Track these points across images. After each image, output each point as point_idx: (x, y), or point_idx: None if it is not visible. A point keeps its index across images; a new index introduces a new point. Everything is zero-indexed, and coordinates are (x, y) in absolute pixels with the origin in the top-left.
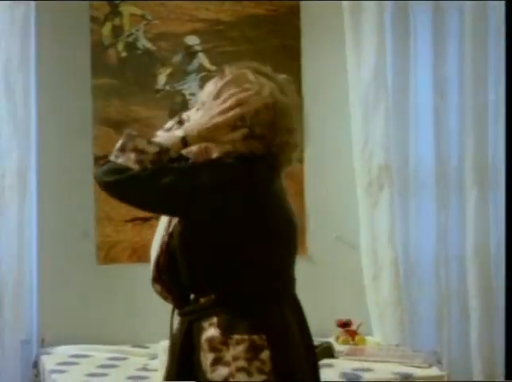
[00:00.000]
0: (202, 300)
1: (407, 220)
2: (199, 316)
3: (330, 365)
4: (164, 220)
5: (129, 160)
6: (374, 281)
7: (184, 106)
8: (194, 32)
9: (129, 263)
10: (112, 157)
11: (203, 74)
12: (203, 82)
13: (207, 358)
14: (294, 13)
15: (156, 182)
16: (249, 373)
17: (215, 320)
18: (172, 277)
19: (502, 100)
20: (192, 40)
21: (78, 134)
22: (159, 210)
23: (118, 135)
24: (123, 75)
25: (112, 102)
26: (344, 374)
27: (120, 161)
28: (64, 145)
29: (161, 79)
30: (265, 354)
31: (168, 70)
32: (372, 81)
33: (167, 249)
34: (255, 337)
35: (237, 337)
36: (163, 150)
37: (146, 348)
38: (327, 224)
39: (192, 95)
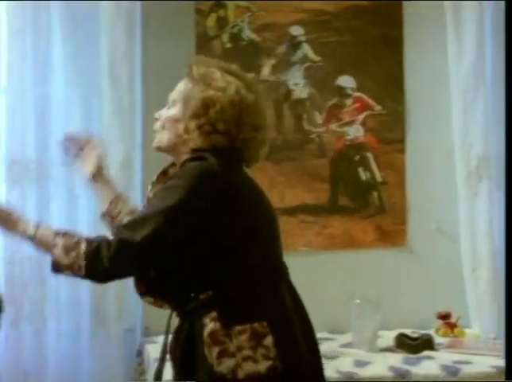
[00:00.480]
0: (201, 297)
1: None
2: (200, 313)
3: (430, 357)
4: None
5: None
6: (473, 273)
7: (288, 97)
8: (298, 22)
9: None
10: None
11: (307, 65)
12: (307, 72)
13: (212, 352)
14: (397, 4)
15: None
16: (255, 361)
17: (215, 314)
18: (164, 285)
19: None
20: (297, 31)
21: None
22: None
23: None
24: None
25: None
26: (444, 366)
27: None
28: None
29: (266, 69)
30: (268, 340)
31: (273, 61)
32: (472, 74)
33: None
34: (256, 324)
35: (238, 327)
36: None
37: None
38: (427, 215)
39: (296, 85)
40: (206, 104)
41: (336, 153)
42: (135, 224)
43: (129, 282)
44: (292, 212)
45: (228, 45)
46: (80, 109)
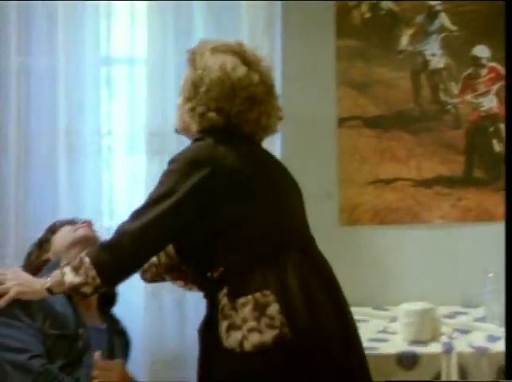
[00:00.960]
0: (215, 275)
1: None
2: (215, 290)
3: None
4: None
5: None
6: None
7: (425, 67)
8: None
9: (371, 226)
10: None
11: (444, 34)
12: (443, 42)
13: (222, 327)
14: None
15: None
16: (259, 331)
17: (225, 290)
18: (185, 268)
19: None
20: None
21: (321, 95)
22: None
23: (361, 97)
24: (366, 36)
25: (355, 63)
26: None
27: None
28: (308, 106)
29: (404, 40)
30: (272, 309)
31: (411, 31)
32: None
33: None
34: (257, 294)
35: (241, 300)
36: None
37: (386, 310)
38: None
39: (433, 55)
40: (194, 85)
41: (471, 124)
42: (134, 214)
43: None
44: (428, 183)
45: (367, 15)
46: None
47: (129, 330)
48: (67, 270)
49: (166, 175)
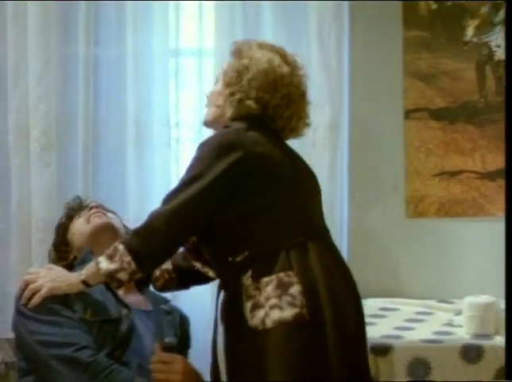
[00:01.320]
0: (237, 259)
1: None
2: (238, 274)
3: None
4: None
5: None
6: None
7: (490, 58)
8: None
9: (437, 218)
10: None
11: None
12: None
13: (247, 308)
14: None
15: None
16: (280, 308)
17: (250, 272)
18: (205, 251)
19: None
20: None
21: (388, 87)
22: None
23: (427, 89)
24: (433, 27)
25: (422, 54)
26: None
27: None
28: (375, 98)
29: (469, 31)
30: (294, 289)
31: (476, 22)
32: None
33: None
34: (281, 274)
35: (265, 279)
36: None
37: (451, 303)
38: None
39: (498, 47)
40: (239, 72)
41: None
42: (166, 198)
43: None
44: (492, 176)
45: (434, 6)
46: None
47: None
48: (102, 258)
49: (197, 158)
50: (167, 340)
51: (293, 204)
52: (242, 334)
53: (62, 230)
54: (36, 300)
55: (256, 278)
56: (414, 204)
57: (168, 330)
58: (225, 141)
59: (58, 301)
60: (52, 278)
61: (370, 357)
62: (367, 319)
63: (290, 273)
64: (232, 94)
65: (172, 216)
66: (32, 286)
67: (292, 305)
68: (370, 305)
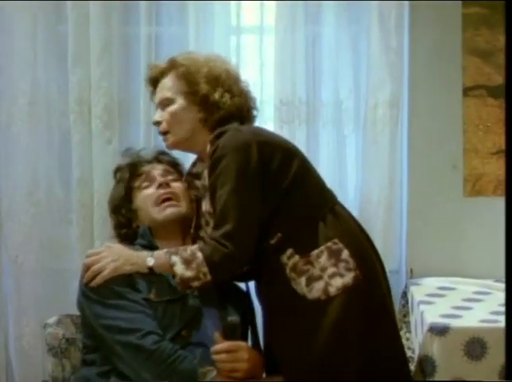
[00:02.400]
0: (272, 242)
1: None
2: (277, 255)
3: None
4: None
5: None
6: None
7: None
8: None
9: (495, 196)
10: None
11: None
12: None
13: (300, 284)
14: None
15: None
16: (341, 275)
17: (291, 251)
18: None
19: None
20: None
21: (447, 64)
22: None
23: (485, 66)
24: (492, 3)
25: (481, 31)
26: None
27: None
28: (435, 75)
29: None
30: (345, 254)
31: None
32: None
33: None
34: (329, 243)
35: (315, 251)
36: None
37: None
38: None
39: None
40: (214, 76)
41: None
42: (224, 216)
43: (395, 222)
44: None
45: None
46: (348, 49)
47: None
48: (177, 259)
49: (225, 172)
50: (230, 318)
51: (310, 174)
52: (301, 311)
53: (125, 197)
54: (98, 280)
55: (303, 254)
56: (472, 183)
57: (230, 308)
58: (238, 142)
59: (122, 282)
60: (113, 258)
61: (428, 336)
62: (426, 298)
63: (336, 240)
64: (222, 95)
65: (240, 234)
66: (95, 268)
67: (348, 269)
68: (428, 285)
